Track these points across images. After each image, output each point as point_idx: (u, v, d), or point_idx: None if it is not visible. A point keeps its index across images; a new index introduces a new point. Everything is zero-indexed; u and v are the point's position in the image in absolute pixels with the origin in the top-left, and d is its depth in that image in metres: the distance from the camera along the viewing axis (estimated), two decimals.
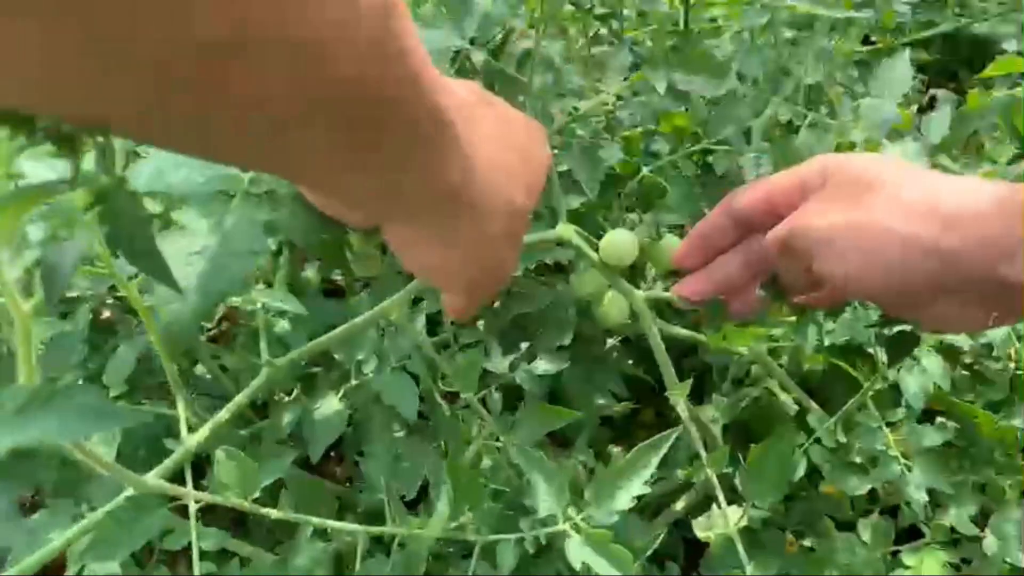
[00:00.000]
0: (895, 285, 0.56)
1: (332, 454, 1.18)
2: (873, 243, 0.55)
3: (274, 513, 0.65)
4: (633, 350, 1.13)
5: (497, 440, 0.83)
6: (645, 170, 0.96)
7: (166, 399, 0.90)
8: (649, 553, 0.82)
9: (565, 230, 0.74)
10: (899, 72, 0.85)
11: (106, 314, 1.00)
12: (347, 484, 1.09)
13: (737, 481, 0.75)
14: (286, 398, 0.96)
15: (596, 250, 0.75)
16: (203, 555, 0.66)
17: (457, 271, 0.55)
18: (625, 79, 0.93)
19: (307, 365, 0.96)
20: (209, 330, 1.34)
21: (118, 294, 0.95)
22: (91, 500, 0.65)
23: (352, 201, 0.51)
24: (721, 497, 0.73)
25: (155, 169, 0.51)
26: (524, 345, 0.95)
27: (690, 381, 0.75)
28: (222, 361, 1.05)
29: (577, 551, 0.67)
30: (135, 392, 0.90)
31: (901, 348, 0.77)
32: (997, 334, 0.89)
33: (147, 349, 0.84)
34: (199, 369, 1.01)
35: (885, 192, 0.56)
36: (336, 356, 0.87)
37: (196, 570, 0.64)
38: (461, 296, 0.60)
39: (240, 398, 0.62)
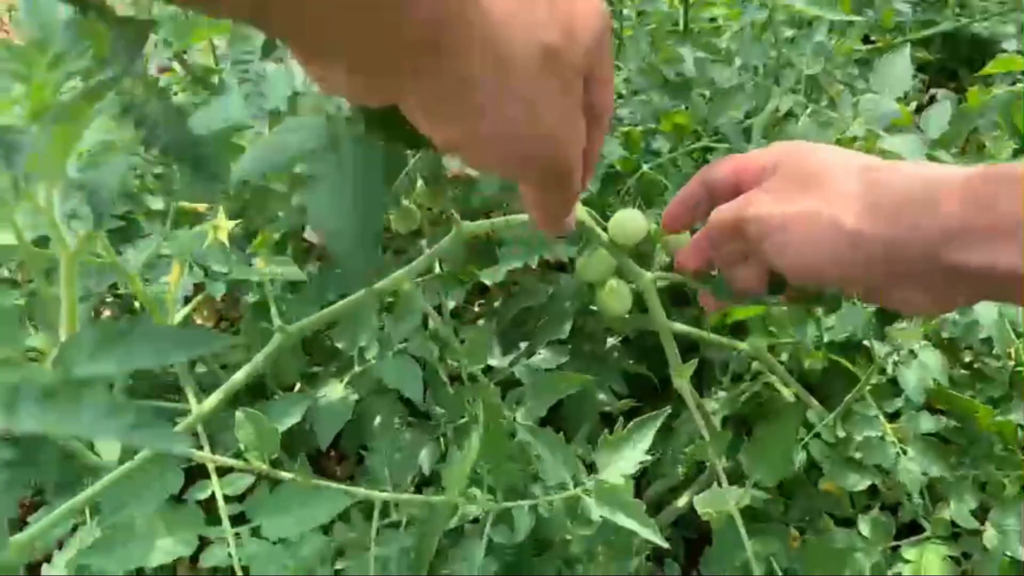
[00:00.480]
0: (841, 273, 0.57)
1: (332, 453, 1.18)
2: (819, 233, 0.56)
3: (293, 476, 0.65)
4: (634, 349, 1.13)
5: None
6: (645, 167, 0.96)
7: (164, 398, 0.90)
8: (649, 551, 0.82)
9: (576, 210, 0.74)
10: (899, 68, 0.85)
11: (106, 313, 1.01)
12: (348, 483, 1.09)
13: (741, 458, 0.75)
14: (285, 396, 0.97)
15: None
16: None
17: (485, 137, 0.45)
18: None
19: (310, 364, 0.96)
20: (209, 330, 1.35)
21: (118, 292, 0.95)
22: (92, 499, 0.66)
23: (333, 54, 0.42)
24: (723, 477, 0.75)
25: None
26: (523, 345, 0.95)
27: (695, 362, 0.76)
28: (222, 360, 1.05)
29: (593, 506, 0.70)
30: (134, 392, 0.90)
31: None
32: (996, 331, 0.88)
33: None
34: (199, 368, 1.01)
35: (832, 183, 0.57)
36: (339, 345, 0.87)
37: (223, 512, 0.65)
38: (523, 183, 0.52)
39: (257, 359, 0.61)
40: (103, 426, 0.28)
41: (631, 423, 0.74)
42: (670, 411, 0.76)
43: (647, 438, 0.73)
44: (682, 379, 0.76)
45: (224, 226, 0.66)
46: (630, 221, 0.75)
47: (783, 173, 0.61)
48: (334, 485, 0.66)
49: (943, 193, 0.52)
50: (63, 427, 0.28)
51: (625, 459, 0.72)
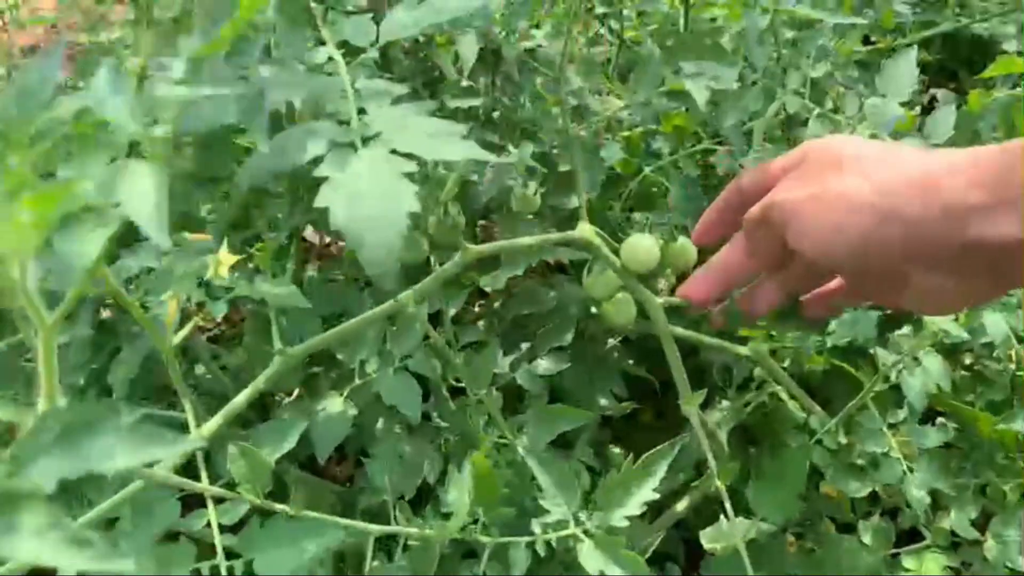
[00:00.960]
0: (859, 255, 0.56)
1: (332, 457, 1.18)
2: (835, 213, 0.56)
3: (287, 509, 0.64)
4: (634, 350, 1.13)
5: (502, 438, 0.83)
6: (647, 170, 0.96)
7: (162, 402, 0.89)
8: (649, 554, 0.82)
9: (587, 231, 0.73)
10: (904, 71, 0.85)
11: (106, 314, 1.00)
12: (347, 484, 1.09)
13: (747, 494, 0.75)
14: (286, 399, 0.96)
15: (613, 252, 0.75)
16: None
17: None
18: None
19: (309, 366, 0.96)
20: (209, 330, 1.34)
21: None
22: (92, 501, 0.65)
23: None
24: (729, 507, 0.74)
25: None
26: (524, 346, 0.95)
27: (704, 392, 0.75)
28: (222, 361, 1.05)
29: (590, 557, 0.68)
30: (132, 395, 0.90)
31: (891, 324, 0.78)
32: (998, 334, 0.88)
33: (146, 351, 0.84)
34: (199, 369, 1.01)
35: (850, 166, 0.57)
36: (339, 356, 0.87)
37: (218, 544, 0.65)
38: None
39: (257, 383, 0.61)
40: (39, 545, 0.27)
41: (641, 458, 0.72)
42: (680, 441, 0.75)
43: (659, 473, 0.72)
44: (691, 407, 0.75)
45: (227, 261, 0.66)
46: (642, 248, 0.74)
47: (811, 159, 0.62)
48: (328, 519, 0.66)
49: (959, 169, 0.52)
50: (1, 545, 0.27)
51: (635, 496, 0.71)
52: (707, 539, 0.77)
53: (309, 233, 1.40)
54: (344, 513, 0.79)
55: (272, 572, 0.63)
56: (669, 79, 0.90)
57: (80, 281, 0.35)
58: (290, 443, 0.70)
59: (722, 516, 0.75)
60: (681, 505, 0.96)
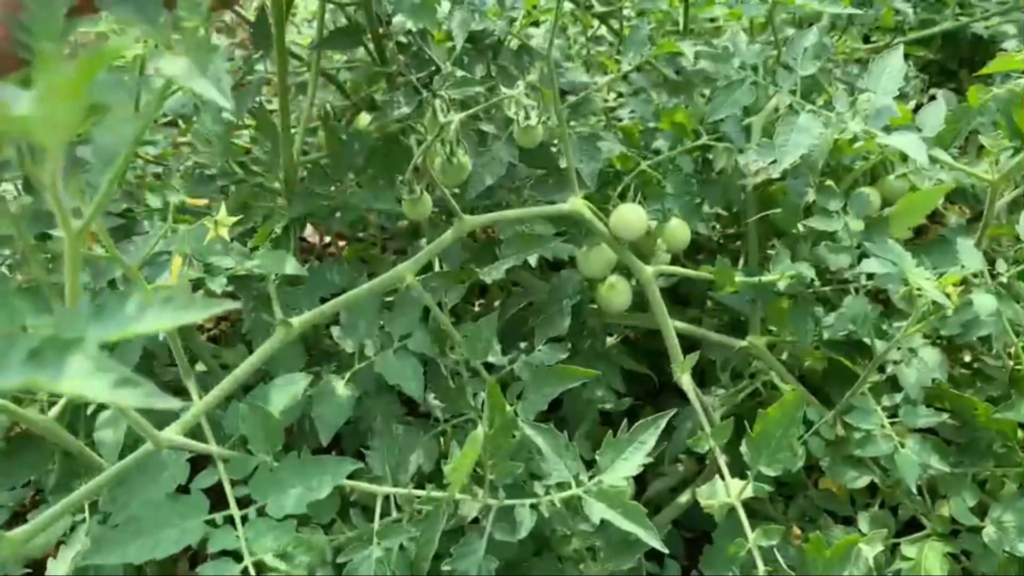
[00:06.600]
0: None
1: (332, 452, 1.18)
2: None
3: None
4: (634, 349, 1.13)
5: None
6: (643, 165, 0.95)
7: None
8: (649, 549, 0.82)
9: (577, 204, 0.75)
10: (893, 66, 0.85)
11: None
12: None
13: (743, 451, 0.75)
14: None
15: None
16: None
17: None
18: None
19: (309, 365, 0.96)
20: (209, 330, 1.35)
21: (116, 290, 0.95)
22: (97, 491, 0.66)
23: None
24: (725, 470, 0.76)
25: None
26: (523, 345, 0.95)
27: (696, 355, 0.77)
28: (222, 360, 1.05)
29: (594, 508, 0.72)
30: None
31: None
32: (995, 330, 0.87)
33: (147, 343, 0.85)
34: (199, 367, 1.01)
35: None
36: (341, 343, 0.87)
37: (230, 495, 0.65)
38: None
39: (256, 356, 0.62)
40: (88, 383, 0.28)
41: (634, 425, 0.75)
42: (673, 412, 0.76)
43: (651, 440, 0.74)
44: (683, 372, 0.76)
45: (225, 222, 0.67)
46: (631, 215, 0.76)
47: None
48: (334, 458, 0.68)
49: None
50: (48, 383, 0.28)
51: (628, 460, 0.73)
52: (703, 497, 0.77)
53: (309, 233, 1.41)
54: (342, 503, 0.79)
55: (284, 512, 0.65)
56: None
57: (114, 170, 0.36)
58: (297, 393, 0.71)
59: (717, 476, 0.77)
60: (681, 500, 0.96)
